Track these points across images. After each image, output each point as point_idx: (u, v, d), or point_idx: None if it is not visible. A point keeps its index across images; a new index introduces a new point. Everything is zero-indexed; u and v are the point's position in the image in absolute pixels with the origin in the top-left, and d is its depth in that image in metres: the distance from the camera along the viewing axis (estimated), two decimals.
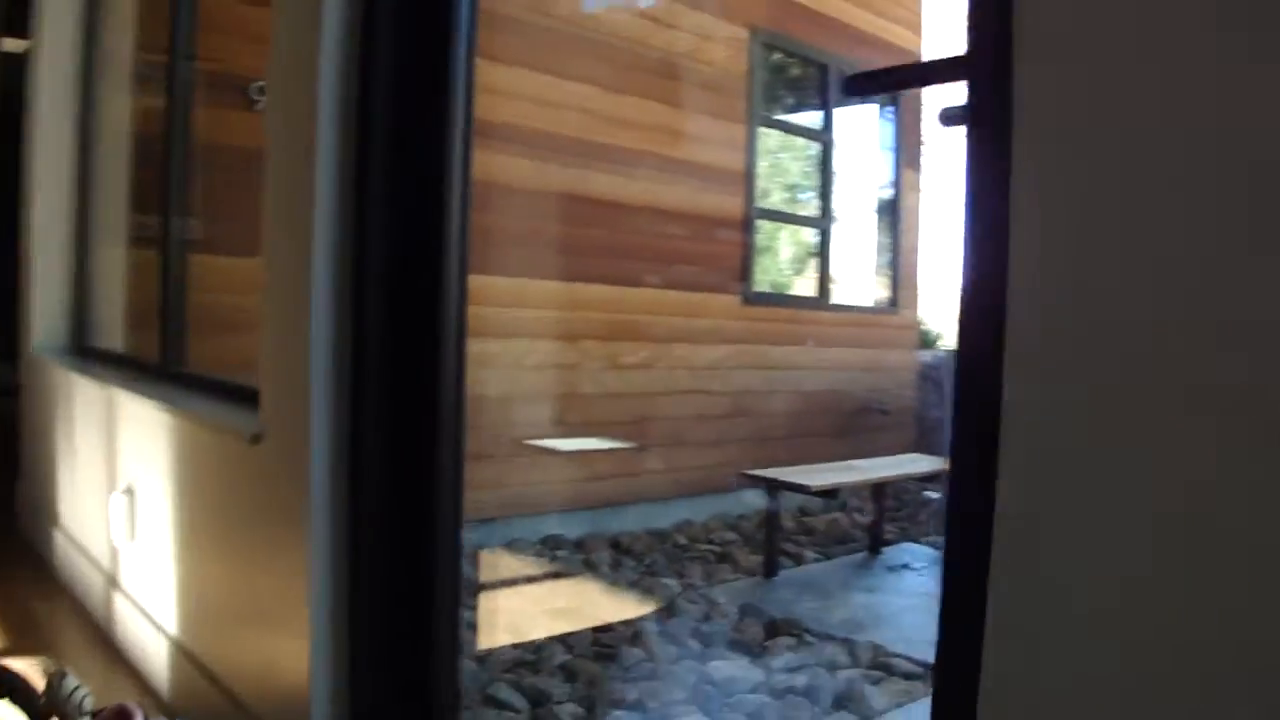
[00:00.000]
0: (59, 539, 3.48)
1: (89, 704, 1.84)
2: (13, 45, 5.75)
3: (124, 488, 3.19)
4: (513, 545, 4.78)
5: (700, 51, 5.65)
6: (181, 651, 2.53)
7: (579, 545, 4.88)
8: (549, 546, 4.84)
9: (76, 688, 1.85)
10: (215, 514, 2.59)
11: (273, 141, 2.21)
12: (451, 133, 2.11)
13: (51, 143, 4.27)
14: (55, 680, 1.84)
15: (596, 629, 3.43)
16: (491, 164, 4.69)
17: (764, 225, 6.34)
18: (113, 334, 4.06)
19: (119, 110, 4.33)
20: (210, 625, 2.54)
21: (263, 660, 2.34)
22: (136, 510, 3.11)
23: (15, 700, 1.84)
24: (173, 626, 2.62)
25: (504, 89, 4.84)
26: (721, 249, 5.76)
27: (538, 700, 2.77)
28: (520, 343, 5.05)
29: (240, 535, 2.45)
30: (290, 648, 2.17)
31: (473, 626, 3.63)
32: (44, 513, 3.75)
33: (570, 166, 5.14)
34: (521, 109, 4.94)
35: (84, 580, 3.18)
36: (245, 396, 2.44)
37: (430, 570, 2.29)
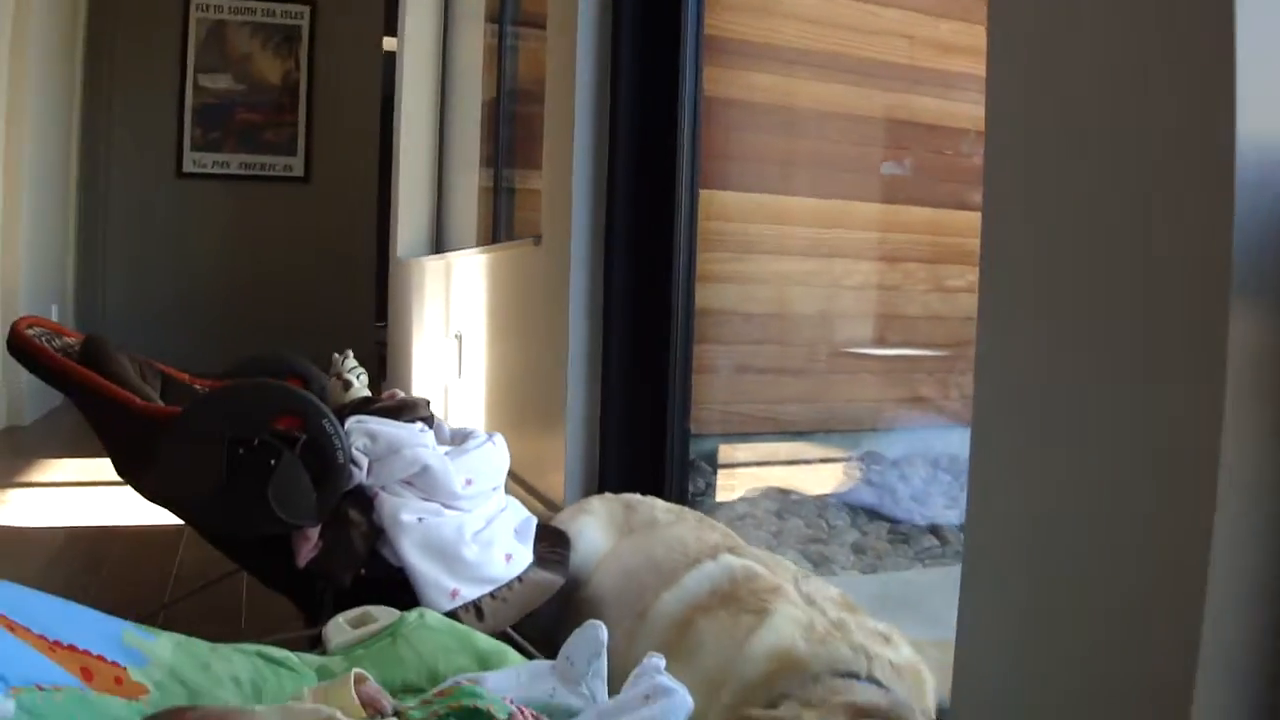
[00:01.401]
0: None
1: (362, 380, 2.25)
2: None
3: (454, 334, 3.84)
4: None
5: None
6: None
7: (894, 465, 4.96)
8: (865, 463, 4.96)
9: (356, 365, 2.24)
10: (510, 311, 3.35)
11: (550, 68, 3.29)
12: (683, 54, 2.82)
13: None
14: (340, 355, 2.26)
15: None
16: (804, 90, 4.90)
17: None
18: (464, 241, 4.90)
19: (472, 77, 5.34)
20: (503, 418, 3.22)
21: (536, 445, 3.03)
22: (463, 351, 3.77)
23: None
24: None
25: (819, 18, 5.03)
26: None
27: None
28: (840, 263, 5.20)
29: (526, 326, 3.17)
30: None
31: None
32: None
33: (891, 91, 5.26)
34: (840, 36, 5.11)
35: None
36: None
37: (663, 383, 2.61)
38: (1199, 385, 1.06)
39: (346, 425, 1.94)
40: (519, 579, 2.02)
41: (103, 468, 2.14)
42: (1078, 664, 1.23)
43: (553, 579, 2.07)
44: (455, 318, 4.21)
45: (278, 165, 8.56)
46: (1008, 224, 1.36)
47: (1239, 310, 1.03)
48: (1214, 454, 1.04)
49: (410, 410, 2.09)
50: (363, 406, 2.10)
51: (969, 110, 5.24)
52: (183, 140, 8.39)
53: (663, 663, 1.49)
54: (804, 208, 5.06)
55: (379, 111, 8.44)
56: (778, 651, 1.71)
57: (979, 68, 1.44)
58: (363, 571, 1.95)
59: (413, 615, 1.67)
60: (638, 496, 2.45)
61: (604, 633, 1.56)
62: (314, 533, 1.89)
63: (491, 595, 1.96)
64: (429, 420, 2.11)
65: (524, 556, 2.07)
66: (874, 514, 4.59)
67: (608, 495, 2.52)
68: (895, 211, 5.31)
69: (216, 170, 8.43)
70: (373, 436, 1.95)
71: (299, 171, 8.59)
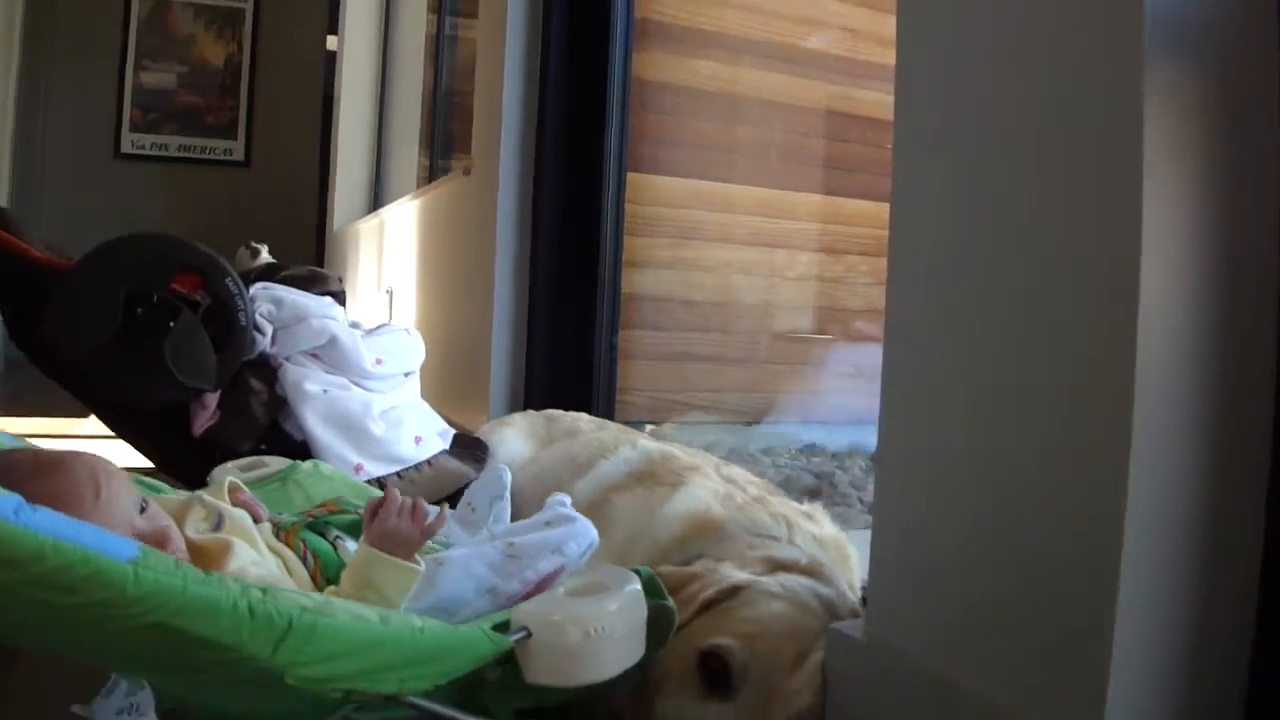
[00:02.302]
0: None
1: None
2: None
3: (385, 289, 3.80)
4: (767, 452, 4.87)
5: None
6: None
7: (834, 457, 4.91)
8: (805, 455, 4.91)
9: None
10: (438, 245, 3.31)
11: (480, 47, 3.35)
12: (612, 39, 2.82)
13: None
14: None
15: None
16: (746, 79, 4.88)
17: None
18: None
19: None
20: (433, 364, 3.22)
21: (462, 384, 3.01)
22: (394, 305, 3.73)
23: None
24: None
25: (764, 7, 5.03)
26: None
27: None
28: (780, 254, 5.18)
29: (456, 263, 3.14)
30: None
31: None
32: None
33: (834, 84, 5.26)
34: (782, 27, 5.10)
35: None
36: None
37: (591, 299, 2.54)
38: None
39: (252, 291, 1.85)
40: (428, 463, 1.94)
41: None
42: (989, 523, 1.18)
43: (464, 469, 1.99)
44: (387, 274, 4.15)
45: (218, 149, 8.43)
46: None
47: None
48: None
49: (320, 282, 2.01)
50: (269, 273, 2.01)
51: None
52: (121, 121, 8.24)
53: (568, 499, 1.42)
54: (747, 196, 5.02)
55: (321, 97, 8.33)
56: (692, 515, 1.64)
57: None
58: (263, 446, 1.86)
59: (307, 464, 1.59)
60: (561, 411, 2.38)
61: (506, 475, 1.49)
62: (212, 400, 1.80)
63: (399, 475, 1.88)
64: (339, 296, 2.03)
65: (435, 443, 1.99)
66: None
67: (530, 411, 2.44)
68: (838, 204, 5.30)
69: (155, 152, 8.28)
70: (278, 303, 1.87)
71: (239, 156, 8.46)
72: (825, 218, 5.27)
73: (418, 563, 1.12)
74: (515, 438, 2.25)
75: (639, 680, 1.42)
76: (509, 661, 1.06)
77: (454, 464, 1.98)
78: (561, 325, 2.75)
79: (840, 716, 1.34)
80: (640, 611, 1.07)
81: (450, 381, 3.12)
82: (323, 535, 1.28)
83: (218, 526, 1.19)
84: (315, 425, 1.81)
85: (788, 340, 5.20)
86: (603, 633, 1.00)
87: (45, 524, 0.79)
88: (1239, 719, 1.13)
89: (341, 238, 5.40)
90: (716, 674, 1.35)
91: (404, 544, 1.12)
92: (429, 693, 0.96)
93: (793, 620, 1.41)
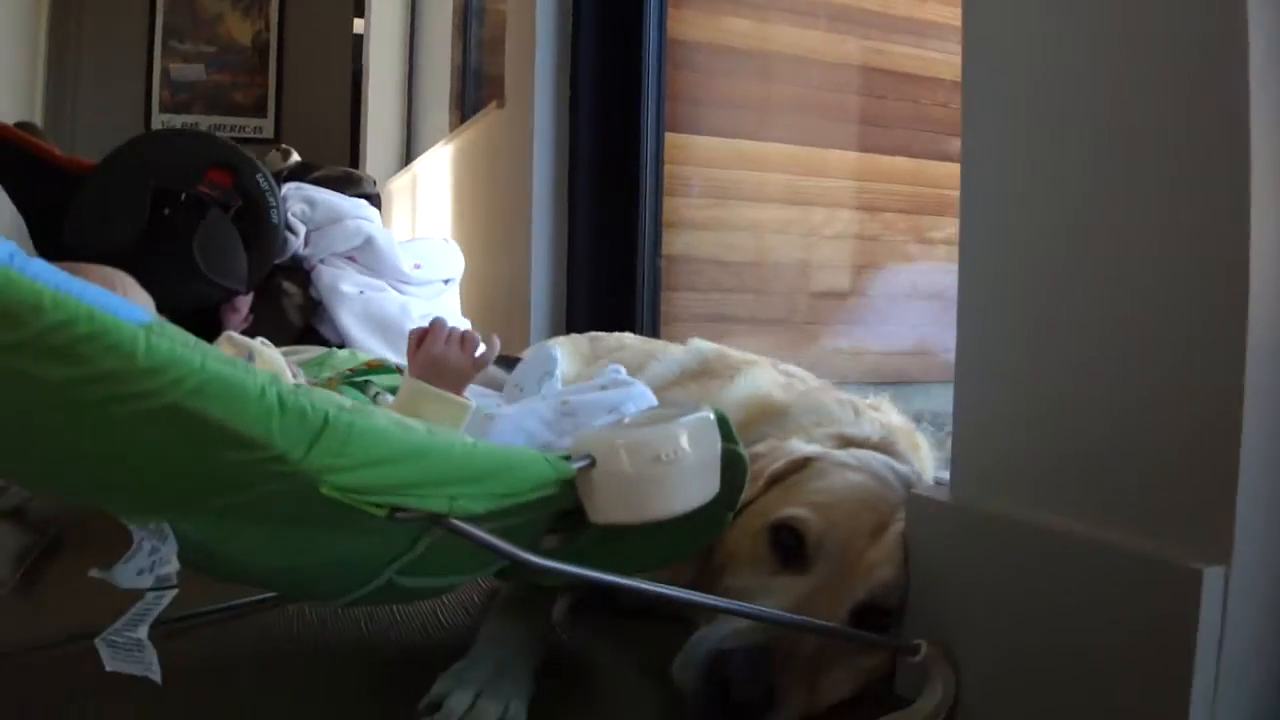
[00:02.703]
0: None
1: None
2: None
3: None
4: None
5: None
6: None
7: None
8: None
9: None
10: (474, 186, 3.24)
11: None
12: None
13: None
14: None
15: None
16: (778, 35, 4.77)
17: None
18: None
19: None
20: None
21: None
22: None
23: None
24: None
25: None
26: None
27: None
28: (818, 211, 5.07)
29: (492, 201, 3.07)
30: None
31: None
32: None
33: (867, 39, 5.14)
34: None
35: None
36: None
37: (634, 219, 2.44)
38: None
39: (284, 190, 1.76)
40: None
41: None
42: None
43: (505, 376, 1.90)
44: (422, 226, 4.06)
45: (248, 127, 8.36)
46: None
47: None
48: None
49: (355, 183, 1.92)
50: (301, 174, 1.92)
51: (945, 60, 5.15)
52: (151, 101, 8.19)
53: (623, 369, 1.32)
54: (781, 154, 4.91)
55: (350, 72, 8.27)
56: (753, 399, 1.54)
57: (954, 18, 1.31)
58: None
59: (344, 351, 1.50)
60: (605, 333, 2.28)
61: (556, 350, 1.39)
62: (244, 303, 1.71)
63: None
64: (374, 199, 1.94)
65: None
66: None
67: (573, 334, 2.35)
68: (874, 160, 5.19)
69: None
70: (311, 203, 1.79)
71: (269, 134, 8.39)
72: (861, 175, 5.16)
73: (468, 398, 1.02)
74: (560, 355, 2.16)
75: (702, 561, 1.33)
76: (571, 515, 0.96)
77: (498, 371, 1.88)
78: (602, 251, 2.65)
79: (927, 587, 1.23)
80: (714, 441, 0.96)
81: (493, 319, 3.03)
82: (363, 391, 1.19)
83: (249, 361, 1.09)
84: (351, 326, 1.72)
85: (825, 299, 5.09)
86: (675, 458, 0.89)
87: (45, 274, 0.66)
88: None
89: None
90: (789, 547, 1.25)
91: (453, 375, 1.03)
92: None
93: (869, 490, 1.30)
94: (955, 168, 1.27)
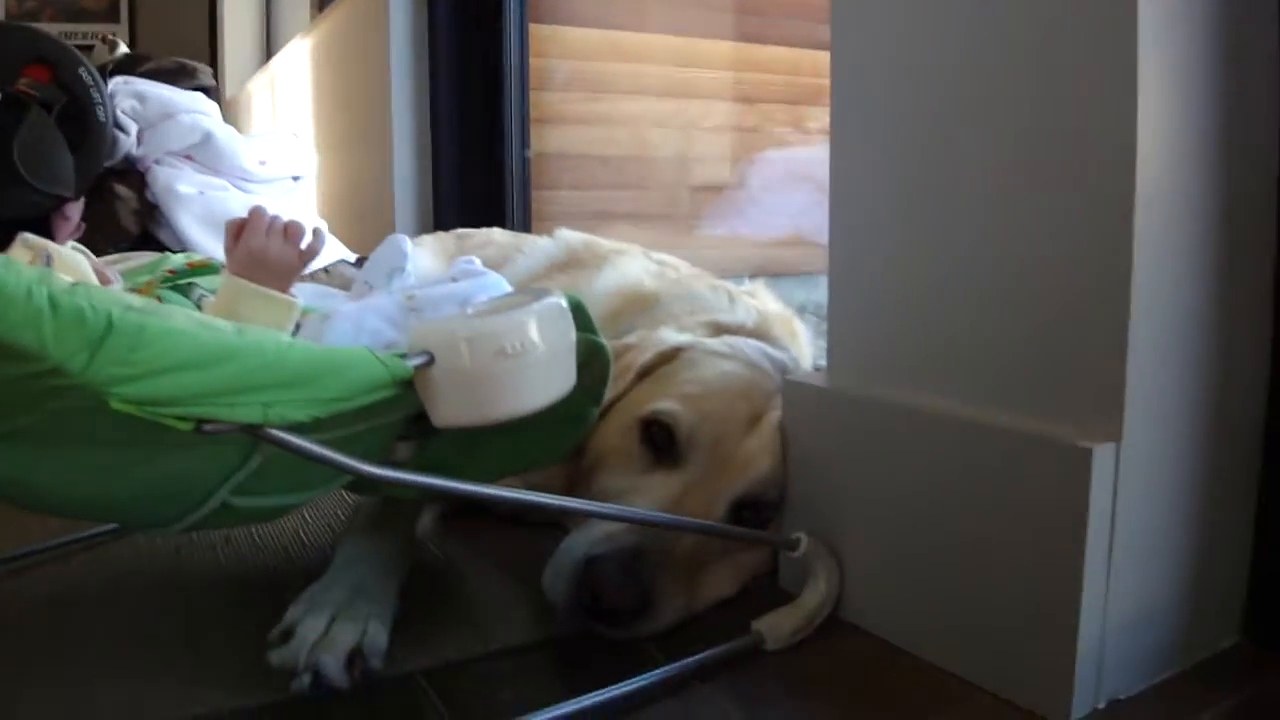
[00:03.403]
0: None
1: None
2: None
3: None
4: None
5: None
6: None
7: None
8: None
9: None
10: (333, 82, 3.03)
11: None
12: None
13: None
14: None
15: None
16: None
17: None
18: None
19: None
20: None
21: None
22: None
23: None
24: None
25: None
26: None
27: None
28: (695, 104, 4.96)
29: (348, 95, 2.86)
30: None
31: None
32: None
33: None
34: None
35: None
36: None
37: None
38: None
39: (111, 86, 1.61)
40: (325, 270, 1.73)
41: None
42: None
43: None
44: (281, 129, 3.87)
45: (101, 34, 7.92)
46: None
47: None
48: None
49: (189, 75, 1.77)
50: (130, 66, 1.77)
51: None
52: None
53: (476, 260, 1.22)
54: (657, 45, 4.79)
55: None
56: (622, 289, 1.46)
57: None
58: None
59: (179, 255, 1.37)
60: (473, 229, 2.17)
61: (406, 244, 1.29)
62: (75, 210, 1.57)
63: None
64: (210, 91, 1.80)
65: (332, 251, 1.78)
66: None
67: (439, 232, 2.24)
68: (752, 50, 5.10)
69: None
70: (142, 98, 1.64)
71: (124, 40, 7.97)
72: (739, 65, 5.07)
73: (294, 296, 0.92)
74: (423, 256, 2.05)
75: (572, 463, 1.25)
76: (422, 419, 0.87)
77: (354, 272, 1.77)
78: (469, 148, 2.53)
79: (806, 478, 1.17)
80: (567, 329, 0.87)
81: (355, 221, 2.89)
82: (185, 295, 1.08)
83: (47, 266, 0.98)
84: (191, 229, 1.60)
85: (704, 192, 5.03)
86: (522, 350, 0.80)
87: None
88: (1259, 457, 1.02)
89: (235, 104, 5.07)
90: (661, 443, 1.18)
91: (277, 269, 0.92)
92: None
93: (743, 378, 1.24)
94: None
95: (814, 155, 5.04)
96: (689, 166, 4.90)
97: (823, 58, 4.20)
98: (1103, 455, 0.89)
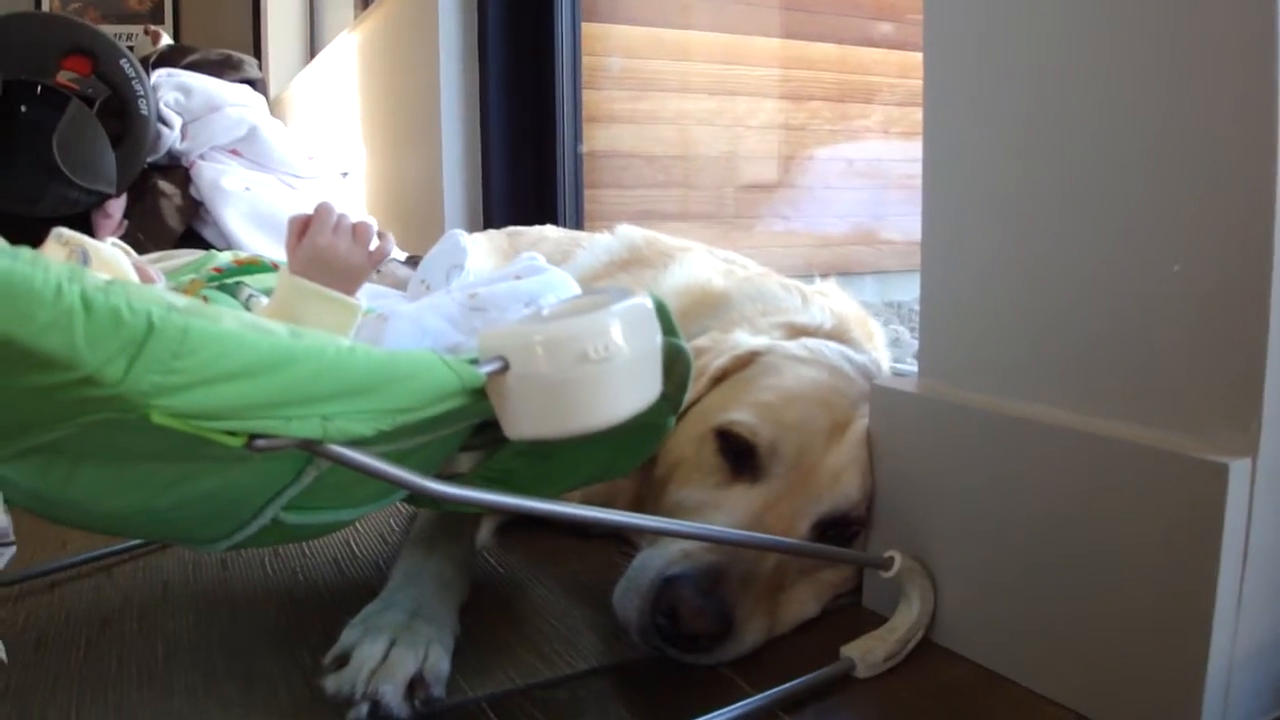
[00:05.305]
0: None
1: None
2: None
3: None
4: None
5: None
6: None
7: None
8: None
9: None
10: (380, 79, 3.00)
11: None
12: None
13: None
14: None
15: None
16: None
17: None
18: None
19: None
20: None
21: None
22: None
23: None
24: None
25: None
26: None
27: None
28: (742, 101, 4.90)
29: (395, 91, 2.82)
30: None
31: None
32: None
33: None
34: None
35: None
36: None
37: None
38: None
39: (154, 78, 1.55)
40: (376, 270, 1.66)
41: None
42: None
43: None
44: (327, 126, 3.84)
45: (144, 26, 7.94)
46: None
47: None
48: None
49: (235, 67, 1.71)
50: (174, 57, 1.71)
51: None
52: (41, 9, 7.76)
53: (540, 256, 1.15)
54: (704, 42, 4.75)
55: None
56: (690, 288, 1.38)
57: None
58: None
59: (225, 253, 1.30)
60: (524, 227, 2.10)
61: (465, 240, 1.22)
62: (117, 207, 1.51)
63: None
64: (257, 84, 1.74)
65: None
66: None
67: (490, 230, 2.17)
68: (799, 47, 5.03)
69: None
70: (186, 91, 1.58)
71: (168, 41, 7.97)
72: (786, 62, 5.01)
73: (359, 299, 0.84)
74: (476, 255, 1.98)
75: (644, 472, 1.17)
76: (489, 428, 0.80)
77: (406, 271, 1.70)
78: (520, 146, 2.46)
79: (897, 491, 1.09)
80: (653, 331, 0.79)
81: (404, 220, 2.83)
82: (233, 295, 1.01)
83: (83, 264, 0.91)
84: (238, 226, 1.54)
85: (752, 191, 4.97)
86: (606, 354, 0.72)
87: None
88: None
89: (280, 103, 5.04)
90: (740, 454, 1.10)
91: (343, 271, 0.85)
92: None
93: (825, 385, 1.15)
94: (882, 54, 1.12)
95: (862, 152, 4.96)
96: (736, 165, 4.84)
97: (870, 54, 4.14)
98: (1238, 471, 0.81)
